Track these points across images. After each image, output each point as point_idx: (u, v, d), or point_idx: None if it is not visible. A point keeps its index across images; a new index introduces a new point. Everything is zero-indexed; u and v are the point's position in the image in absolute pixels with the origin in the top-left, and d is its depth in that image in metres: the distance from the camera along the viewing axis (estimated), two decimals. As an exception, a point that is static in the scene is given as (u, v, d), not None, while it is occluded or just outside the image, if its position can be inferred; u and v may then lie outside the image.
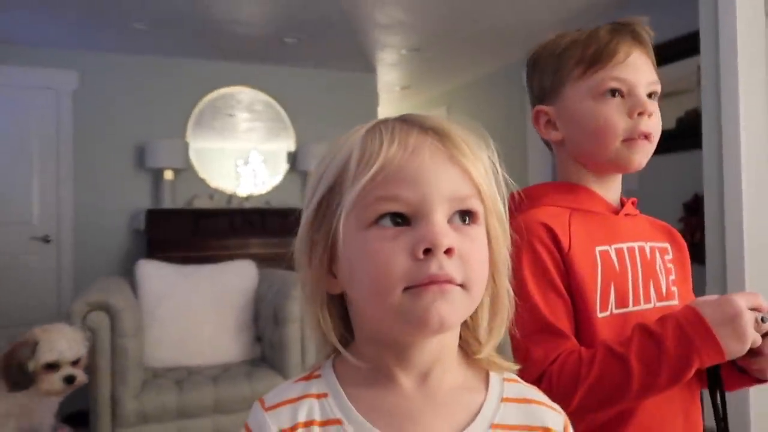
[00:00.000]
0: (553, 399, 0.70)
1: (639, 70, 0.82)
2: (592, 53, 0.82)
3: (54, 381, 1.65)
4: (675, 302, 0.84)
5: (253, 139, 4.91)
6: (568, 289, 0.77)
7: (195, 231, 4.23)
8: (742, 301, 0.67)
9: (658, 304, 0.82)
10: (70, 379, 1.68)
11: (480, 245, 0.51)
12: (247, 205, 4.71)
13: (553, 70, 0.86)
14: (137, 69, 4.53)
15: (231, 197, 4.75)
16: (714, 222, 2.62)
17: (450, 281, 0.47)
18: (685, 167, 3.10)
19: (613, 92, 0.81)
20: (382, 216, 0.48)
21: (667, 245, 0.88)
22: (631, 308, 0.79)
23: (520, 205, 0.87)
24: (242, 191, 4.80)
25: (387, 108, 6.50)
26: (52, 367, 1.67)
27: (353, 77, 5.15)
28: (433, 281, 0.46)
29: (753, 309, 0.68)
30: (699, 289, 2.86)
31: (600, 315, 0.77)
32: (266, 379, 2.20)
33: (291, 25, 4.01)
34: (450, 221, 0.49)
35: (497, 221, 0.53)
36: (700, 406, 0.83)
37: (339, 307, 0.55)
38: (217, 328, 2.40)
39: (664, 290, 0.83)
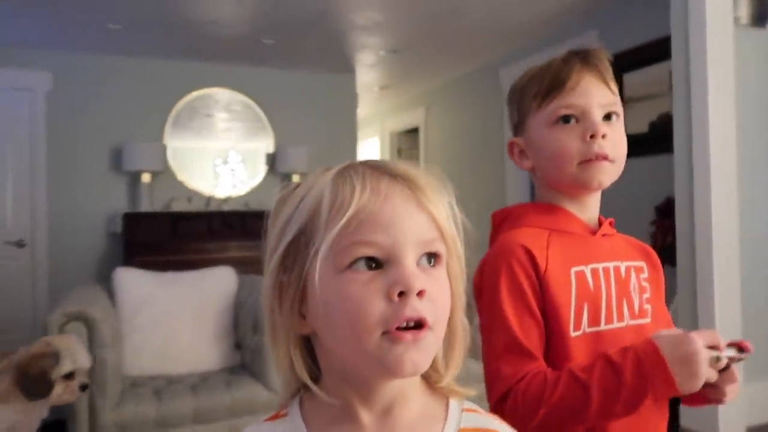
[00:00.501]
0: (518, 415, 0.75)
1: (590, 94, 0.84)
2: (546, 84, 0.86)
3: (73, 389, 1.74)
4: (648, 320, 0.87)
5: (232, 138, 4.89)
6: (543, 309, 0.80)
7: (173, 234, 4.21)
8: (699, 341, 0.70)
9: (631, 322, 0.85)
10: (84, 387, 1.77)
11: (444, 285, 0.53)
12: (226, 207, 4.69)
13: (518, 104, 0.91)
14: (113, 70, 4.47)
15: (209, 199, 4.72)
16: (684, 225, 2.68)
17: (424, 321, 0.49)
18: (657, 170, 3.16)
19: (567, 118, 0.84)
20: (356, 260, 0.50)
21: (642, 264, 0.91)
22: (604, 327, 0.82)
23: (501, 224, 0.90)
24: (221, 193, 4.78)
25: (366, 108, 6.51)
26: (70, 375, 1.74)
27: (332, 78, 5.15)
28: (409, 322, 0.49)
29: (711, 347, 0.71)
30: (670, 290, 2.91)
31: (573, 334, 0.80)
32: (246, 387, 2.21)
33: (269, 26, 4.00)
34: (417, 263, 0.51)
35: (457, 261, 0.56)
36: (667, 417, 0.87)
37: (305, 345, 0.57)
38: (197, 335, 2.40)
39: (637, 309, 0.86)
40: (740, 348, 0.73)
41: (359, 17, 3.87)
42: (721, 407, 2.49)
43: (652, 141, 3.33)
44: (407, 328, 0.49)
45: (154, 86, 4.59)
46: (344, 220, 0.50)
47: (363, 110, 6.44)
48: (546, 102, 0.85)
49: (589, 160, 0.83)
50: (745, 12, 2.76)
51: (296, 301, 0.53)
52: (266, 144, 4.95)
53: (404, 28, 4.11)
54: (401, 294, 0.49)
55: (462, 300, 0.57)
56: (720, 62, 2.63)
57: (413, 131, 6.49)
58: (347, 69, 5.08)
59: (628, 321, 0.84)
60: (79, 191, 4.38)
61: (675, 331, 0.75)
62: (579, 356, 0.79)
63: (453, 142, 5.57)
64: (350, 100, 5.31)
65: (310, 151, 4.87)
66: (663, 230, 2.99)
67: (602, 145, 0.83)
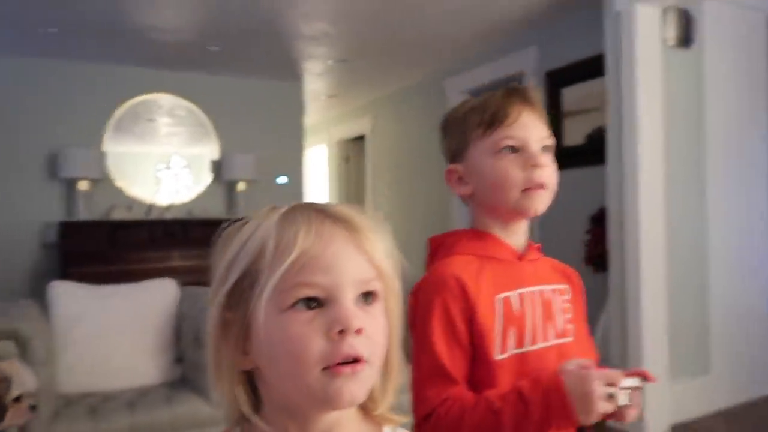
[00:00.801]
0: None
1: (530, 128, 0.92)
2: (489, 116, 0.92)
3: (24, 411, 1.75)
4: (570, 339, 0.94)
5: (175, 143, 4.79)
6: (472, 335, 0.86)
7: (113, 244, 4.08)
8: (596, 381, 0.77)
9: (555, 342, 0.92)
10: (33, 407, 1.78)
11: (380, 321, 0.57)
12: (168, 215, 4.59)
13: (459, 133, 0.96)
14: (50, 74, 4.31)
15: (151, 208, 4.61)
16: (615, 233, 2.82)
17: (361, 358, 0.53)
18: (593, 181, 3.29)
19: (509, 149, 0.91)
20: (298, 300, 0.53)
21: (565, 286, 0.98)
22: (529, 348, 0.89)
23: (437, 251, 0.95)
24: (162, 200, 4.67)
25: (313, 116, 6.50)
26: (17, 399, 1.74)
27: (279, 86, 5.13)
28: (347, 359, 0.53)
29: (611, 384, 0.77)
30: (604, 293, 3.01)
31: (499, 357, 0.86)
32: (187, 402, 2.16)
33: (215, 34, 3.95)
34: (356, 302, 0.55)
35: (394, 297, 0.60)
36: None
37: (246, 378, 0.59)
38: (135, 350, 2.34)
39: (560, 329, 0.93)
40: (645, 377, 0.80)
41: (307, 27, 3.88)
42: (647, 406, 2.62)
43: (589, 153, 3.47)
44: (345, 363, 0.53)
45: (93, 91, 4.45)
46: (288, 262, 0.53)
47: (310, 118, 6.43)
48: (489, 132, 0.91)
49: (530, 188, 0.90)
50: (672, 34, 2.93)
51: (240, 338, 0.56)
52: (211, 151, 4.87)
53: (352, 39, 4.14)
54: (341, 332, 0.52)
55: (398, 334, 0.61)
56: (649, 80, 2.78)
57: (360, 139, 6.52)
58: (294, 77, 5.07)
59: (551, 341, 0.91)
60: (12, 199, 4.19)
61: (582, 362, 0.82)
62: (505, 376, 0.86)
63: (399, 150, 5.64)
64: (297, 108, 5.29)
65: (256, 159, 4.83)
66: (597, 238, 3.12)
67: (541, 175, 0.90)
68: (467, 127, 0.94)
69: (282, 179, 5.16)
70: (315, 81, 5.23)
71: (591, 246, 3.17)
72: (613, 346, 2.79)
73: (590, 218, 3.28)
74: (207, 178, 4.85)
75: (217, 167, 4.83)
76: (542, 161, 0.90)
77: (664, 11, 2.88)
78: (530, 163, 0.90)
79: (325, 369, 0.52)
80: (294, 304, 0.53)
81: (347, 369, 0.52)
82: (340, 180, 7.12)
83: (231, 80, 4.94)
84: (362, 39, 4.13)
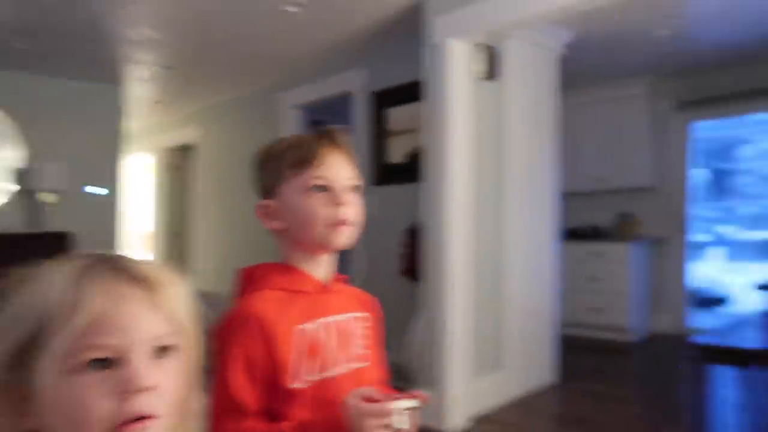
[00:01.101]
0: None
1: (337, 168, 1.00)
2: (300, 157, 0.99)
3: None
4: (368, 363, 1.03)
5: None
6: (272, 368, 0.91)
7: None
8: (370, 416, 0.85)
9: (354, 366, 1.00)
10: None
11: (175, 374, 0.58)
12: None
13: (273, 171, 1.02)
14: None
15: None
16: (428, 246, 3.05)
17: (151, 416, 0.53)
18: (412, 197, 3.54)
19: (318, 188, 0.98)
20: (88, 362, 0.52)
21: (366, 314, 1.07)
22: (327, 374, 0.96)
23: (246, 285, 0.99)
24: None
25: (139, 122, 6.13)
26: None
27: (97, 89, 4.77)
28: (136, 418, 0.52)
29: (383, 415, 0.86)
30: (417, 301, 3.21)
31: (297, 386, 0.93)
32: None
33: (23, 30, 3.58)
34: (150, 357, 0.55)
35: (193, 347, 0.61)
36: None
37: None
38: None
39: (358, 354, 1.02)
40: (419, 398, 0.90)
41: (131, 32, 3.68)
42: (447, 399, 2.89)
43: (409, 171, 3.72)
44: (135, 420, 0.53)
45: None
46: (77, 323, 0.52)
47: (137, 124, 6.06)
48: (299, 171, 0.98)
49: (335, 224, 0.97)
50: (480, 67, 3.26)
51: (21, 400, 0.53)
52: (13, 157, 4.36)
53: (179, 47, 4.01)
54: (131, 391, 0.52)
55: (198, 382, 0.62)
56: (459, 108, 3.06)
57: (189, 148, 6.28)
58: (115, 81, 4.75)
59: (349, 366, 0.99)
60: None
61: (365, 392, 0.89)
62: (305, 404, 0.92)
63: (228, 161, 5.52)
64: (116, 113, 4.96)
65: (68, 167, 4.43)
66: (412, 251, 3.35)
67: (345, 212, 0.98)
68: (280, 165, 1.00)
69: (99, 190, 4.79)
70: (140, 86, 4.95)
71: (407, 257, 3.40)
72: (426, 349, 3.02)
73: (407, 231, 3.51)
74: (8, 188, 4.33)
75: (21, 176, 4.34)
76: (347, 199, 0.98)
77: (474, 46, 3.20)
78: (335, 202, 0.97)
79: (114, 429, 0.52)
80: (83, 366, 0.52)
81: (137, 426, 0.52)
82: (167, 190, 6.78)
83: (40, 80, 4.49)
84: (190, 47, 4.02)
